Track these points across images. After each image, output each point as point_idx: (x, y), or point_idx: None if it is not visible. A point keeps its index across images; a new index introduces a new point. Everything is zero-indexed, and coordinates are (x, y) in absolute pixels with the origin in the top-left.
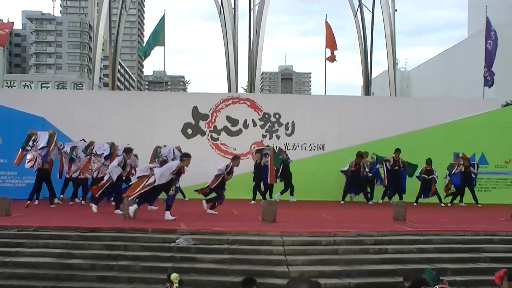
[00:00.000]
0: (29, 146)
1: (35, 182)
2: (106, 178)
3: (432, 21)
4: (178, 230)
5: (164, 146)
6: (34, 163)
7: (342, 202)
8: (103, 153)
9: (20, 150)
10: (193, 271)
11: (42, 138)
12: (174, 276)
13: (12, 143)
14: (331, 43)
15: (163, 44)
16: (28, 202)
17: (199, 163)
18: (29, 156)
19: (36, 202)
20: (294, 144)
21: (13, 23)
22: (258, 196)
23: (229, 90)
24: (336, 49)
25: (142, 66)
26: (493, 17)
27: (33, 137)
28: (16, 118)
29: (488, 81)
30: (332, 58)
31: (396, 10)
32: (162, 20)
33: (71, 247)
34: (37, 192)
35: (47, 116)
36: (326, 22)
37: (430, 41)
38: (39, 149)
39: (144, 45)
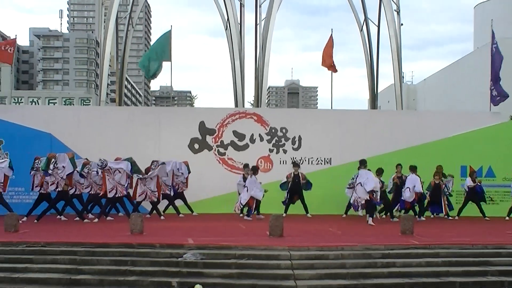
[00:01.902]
0: (50, 169)
1: (52, 201)
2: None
3: (436, 35)
4: (185, 245)
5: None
6: (57, 186)
7: (344, 215)
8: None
9: (43, 174)
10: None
11: (62, 161)
12: (198, 286)
13: (20, 160)
14: (328, 53)
15: (169, 59)
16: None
17: (206, 177)
18: (51, 179)
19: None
20: (301, 158)
21: (15, 39)
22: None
23: (236, 105)
24: (331, 60)
25: (149, 82)
26: (499, 30)
27: (53, 160)
28: (24, 134)
29: (495, 97)
30: (332, 68)
31: (402, 24)
32: (169, 34)
33: (79, 262)
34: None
35: (55, 132)
36: (331, 36)
37: (435, 54)
38: (62, 173)
39: (147, 60)
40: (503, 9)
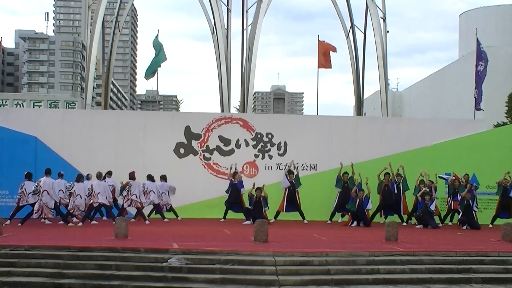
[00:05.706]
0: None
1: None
2: None
3: (422, 42)
4: (170, 249)
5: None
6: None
7: (329, 221)
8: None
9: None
10: None
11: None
12: None
13: (4, 162)
14: (325, 57)
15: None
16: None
17: (192, 182)
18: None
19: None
20: (286, 164)
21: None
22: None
23: (222, 110)
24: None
25: (135, 86)
26: (483, 39)
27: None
28: (8, 137)
29: (479, 102)
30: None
31: (388, 31)
32: (156, 39)
33: (63, 266)
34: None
35: (39, 135)
36: (319, 41)
37: (420, 62)
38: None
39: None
40: (487, 18)
